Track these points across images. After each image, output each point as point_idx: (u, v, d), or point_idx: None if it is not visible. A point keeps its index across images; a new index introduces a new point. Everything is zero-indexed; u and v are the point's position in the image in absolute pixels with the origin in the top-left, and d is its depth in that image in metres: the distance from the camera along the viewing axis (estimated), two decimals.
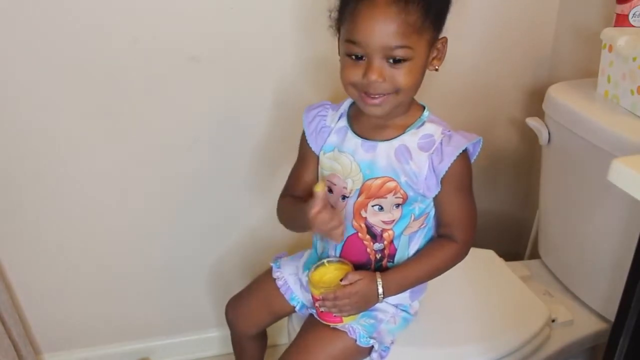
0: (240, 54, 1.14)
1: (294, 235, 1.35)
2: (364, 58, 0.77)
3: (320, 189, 0.78)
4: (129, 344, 1.39)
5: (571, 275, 1.16)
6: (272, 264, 1.03)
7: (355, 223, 0.89)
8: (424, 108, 0.87)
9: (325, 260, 0.91)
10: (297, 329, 0.97)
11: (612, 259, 1.00)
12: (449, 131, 0.84)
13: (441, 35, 0.81)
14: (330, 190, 0.90)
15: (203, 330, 1.43)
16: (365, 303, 0.87)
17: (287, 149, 1.25)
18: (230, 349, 1.13)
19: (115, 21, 1.06)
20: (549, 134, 1.11)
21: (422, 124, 0.85)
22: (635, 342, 0.59)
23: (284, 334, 1.32)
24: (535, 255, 1.31)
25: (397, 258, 0.91)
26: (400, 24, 0.74)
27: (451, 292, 1.03)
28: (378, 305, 0.90)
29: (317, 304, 0.87)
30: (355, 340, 0.88)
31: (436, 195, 0.86)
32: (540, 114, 1.15)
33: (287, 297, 1.00)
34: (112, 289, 1.32)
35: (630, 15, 1.02)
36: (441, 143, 0.83)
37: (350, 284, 0.85)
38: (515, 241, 1.51)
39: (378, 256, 0.91)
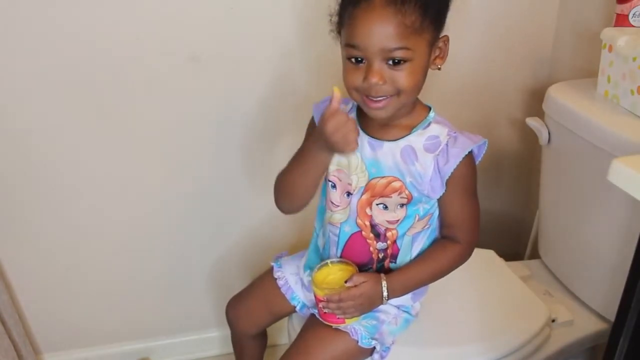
0: (240, 54, 1.14)
1: (295, 235, 1.35)
2: (364, 61, 0.77)
3: (337, 91, 0.78)
4: (129, 344, 1.39)
5: (571, 275, 1.16)
6: (272, 264, 1.03)
7: (359, 221, 0.89)
8: (430, 109, 0.87)
9: (328, 261, 0.91)
10: (298, 329, 0.97)
11: (612, 259, 1.00)
12: (455, 133, 0.84)
13: (442, 34, 0.81)
14: (334, 186, 0.90)
15: (203, 330, 1.43)
16: (370, 305, 0.87)
17: (288, 149, 1.25)
18: (231, 349, 1.13)
19: (115, 21, 1.06)
20: (549, 134, 1.11)
21: (428, 125, 0.85)
22: (635, 342, 0.59)
23: (284, 334, 1.32)
24: (535, 255, 1.31)
25: (399, 259, 0.91)
26: (398, 25, 0.74)
27: (451, 292, 1.03)
28: (380, 306, 0.90)
29: (320, 305, 0.87)
30: (357, 342, 0.88)
31: (440, 197, 0.86)
32: (540, 114, 1.15)
33: (287, 296, 1.00)
34: (112, 289, 1.32)
35: (630, 15, 1.02)
36: (447, 144, 0.83)
37: (355, 286, 0.85)
38: (515, 241, 1.51)
39: (380, 256, 0.91)
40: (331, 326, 0.89)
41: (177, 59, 1.11)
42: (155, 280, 1.34)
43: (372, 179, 0.86)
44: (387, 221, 0.88)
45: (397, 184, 0.85)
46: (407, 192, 0.85)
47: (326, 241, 0.95)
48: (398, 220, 0.88)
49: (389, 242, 0.89)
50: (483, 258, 1.16)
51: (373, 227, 0.89)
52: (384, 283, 0.86)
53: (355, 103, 0.90)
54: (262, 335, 1.11)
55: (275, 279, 1.01)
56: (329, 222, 0.92)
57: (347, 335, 0.89)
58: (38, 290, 1.28)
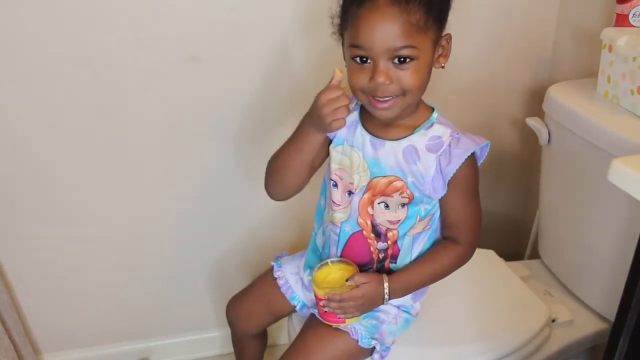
0: (240, 54, 1.14)
1: (295, 235, 1.35)
2: (369, 61, 0.77)
3: (338, 71, 0.80)
4: (129, 344, 1.39)
5: (571, 275, 1.16)
6: (273, 263, 1.03)
7: (361, 220, 0.89)
8: (433, 109, 0.87)
9: (329, 260, 0.91)
10: (298, 329, 0.97)
11: (612, 259, 1.00)
12: (458, 133, 0.84)
13: (444, 32, 0.81)
14: (335, 184, 0.90)
15: (203, 330, 1.43)
16: (371, 306, 0.87)
17: None
18: (231, 349, 1.13)
19: (115, 21, 1.06)
20: (549, 134, 1.11)
21: (431, 125, 0.85)
22: (635, 342, 0.59)
23: (284, 334, 1.32)
24: (535, 255, 1.31)
25: (399, 259, 0.91)
26: (403, 24, 0.74)
27: (451, 292, 1.03)
28: (381, 306, 0.90)
29: (321, 304, 0.87)
30: (357, 341, 0.88)
31: (442, 197, 0.86)
32: (540, 114, 1.15)
33: (287, 296, 1.00)
34: (112, 289, 1.32)
35: (630, 15, 1.02)
36: (449, 145, 0.83)
37: (357, 285, 0.85)
38: (515, 241, 1.51)
39: (381, 256, 0.91)
40: (331, 326, 0.89)
41: (177, 59, 1.11)
42: (155, 280, 1.34)
43: (373, 178, 0.86)
44: (389, 221, 0.88)
45: (398, 184, 0.85)
46: (408, 191, 0.85)
47: (326, 240, 0.95)
48: (399, 221, 0.88)
49: (389, 242, 0.89)
50: (483, 258, 1.16)
51: (374, 226, 0.89)
52: (385, 284, 0.86)
53: (359, 103, 0.90)
54: (262, 335, 1.11)
55: (275, 278, 1.01)
56: (330, 222, 0.92)
57: (347, 335, 0.89)
58: (38, 290, 1.28)
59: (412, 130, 0.85)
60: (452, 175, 0.83)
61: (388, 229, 0.88)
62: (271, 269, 1.03)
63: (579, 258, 1.12)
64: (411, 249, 0.91)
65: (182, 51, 1.11)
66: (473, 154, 0.83)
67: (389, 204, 0.87)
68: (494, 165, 1.43)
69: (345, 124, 0.80)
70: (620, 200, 0.92)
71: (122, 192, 1.22)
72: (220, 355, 1.44)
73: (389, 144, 0.85)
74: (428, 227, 0.90)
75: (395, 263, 0.91)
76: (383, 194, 0.86)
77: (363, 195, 0.88)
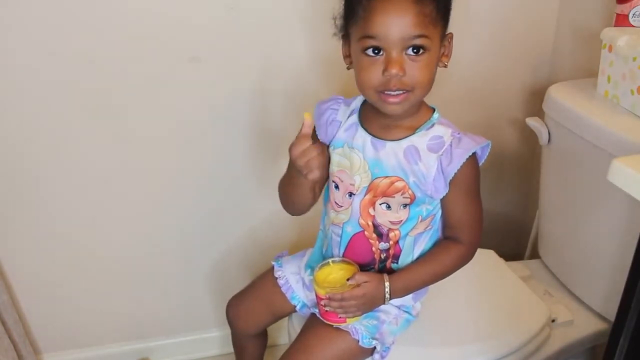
0: (240, 54, 1.14)
1: (295, 235, 1.35)
2: (381, 52, 0.77)
3: (307, 117, 0.81)
4: (128, 344, 1.39)
5: (571, 275, 1.16)
6: (273, 263, 1.03)
7: (362, 221, 0.89)
8: (434, 110, 0.87)
9: (330, 260, 0.91)
10: (298, 329, 0.97)
11: (612, 259, 1.00)
12: (459, 134, 0.84)
13: (447, 31, 0.82)
14: (337, 186, 0.90)
15: (203, 330, 1.43)
16: (372, 305, 0.87)
17: (287, 149, 1.25)
18: (231, 349, 1.13)
19: (115, 21, 1.06)
20: (549, 134, 1.11)
21: (432, 126, 0.85)
22: (635, 342, 0.59)
23: (284, 334, 1.32)
24: (535, 255, 1.31)
25: (401, 259, 0.91)
26: (417, 14, 0.74)
27: (451, 292, 1.03)
28: (381, 306, 0.90)
29: (322, 303, 0.87)
30: (358, 341, 0.88)
31: (443, 197, 0.86)
32: (540, 114, 1.15)
33: (288, 296, 1.00)
34: (112, 289, 1.32)
35: (630, 15, 1.02)
36: (450, 145, 0.83)
37: (358, 285, 0.85)
38: (515, 241, 1.51)
39: (383, 256, 0.91)
40: (332, 325, 0.89)
41: (177, 59, 1.11)
42: (155, 280, 1.34)
43: (375, 178, 0.86)
44: (390, 222, 0.88)
45: (400, 184, 0.85)
46: (410, 192, 0.85)
47: (329, 241, 0.95)
48: (401, 221, 0.88)
49: (391, 242, 0.89)
50: (483, 258, 1.16)
51: (376, 227, 0.89)
52: (386, 284, 0.86)
53: (357, 106, 0.90)
54: (263, 335, 1.11)
55: (276, 278, 1.01)
56: (332, 223, 0.92)
57: (348, 335, 0.89)
58: (38, 290, 1.27)
59: (413, 130, 0.85)
60: (453, 174, 0.83)
61: (390, 230, 0.88)
62: (271, 269, 1.03)
63: (579, 258, 1.12)
64: (413, 249, 0.91)
65: (182, 51, 1.11)
66: (474, 154, 0.84)
67: (390, 204, 0.87)
68: (494, 165, 1.43)
69: (319, 174, 0.83)
70: (620, 200, 0.92)
71: (122, 192, 1.22)
72: (220, 355, 1.44)
73: (389, 145, 0.85)
74: (430, 227, 0.90)
75: (397, 263, 0.91)
76: (385, 194, 0.86)
77: (364, 196, 0.88)
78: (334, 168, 0.91)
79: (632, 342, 0.59)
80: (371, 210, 0.88)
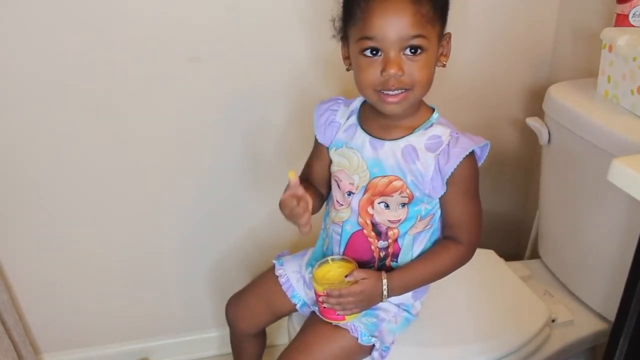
0: (240, 54, 1.14)
1: (295, 234, 1.35)
2: (379, 53, 0.77)
3: (291, 176, 0.82)
4: (128, 344, 1.39)
5: (571, 275, 1.16)
6: (274, 261, 1.04)
7: (361, 219, 0.89)
8: (433, 110, 0.88)
9: (329, 258, 0.91)
10: (298, 329, 0.97)
11: (612, 259, 1.00)
12: (457, 133, 0.84)
13: (445, 31, 0.82)
14: (337, 185, 0.91)
15: (203, 330, 1.43)
16: (369, 302, 0.87)
17: (288, 149, 1.25)
18: (229, 349, 1.13)
19: (115, 21, 1.06)
20: (549, 134, 1.11)
21: (431, 126, 0.85)
22: (635, 342, 0.59)
23: (283, 334, 1.32)
24: (535, 255, 1.31)
25: (400, 258, 0.91)
26: (414, 14, 0.75)
27: (451, 292, 1.03)
28: (380, 304, 0.90)
29: (320, 299, 0.87)
30: (357, 339, 0.88)
31: (442, 197, 0.86)
32: (540, 114, 1.15)
33: (288, 294, 1.00)
34: (112, 289, 1.32)
35: (630, 15, 1.02)
36: (448, 144, 0.83)
37: (356, 281, 0.85)
38: (515, 241, 1.51)
39: (382, 254, 0.91)
40: (331, 323, 0.89)
41: (177, 59, 1.11)
42: (155, 280, 1.34)
43: (373, 178, 0.86)
44: (389, 220, 0.88)
45: (398, 183, 0.85)
46: (408, 191, 0.85)
47: (329, 240, 0.95)
48: (399, 220, 0.88)
49: (390, 240, 0.90)
50: (483, 258, 1.16)
51: (374, 225, 0.89)
52: (384, 281, 0.86)
53: (357, 107, 0.91)
54: (262, 335, 1.11)
55: (277, 276, 1.01)
56: (333, 221, 0.93)
57: (347, 333, 0.89)
58: (38, 290, 1.28)
59: (412, 130, 0.85)
60: (450, 174, 0.83)
61: (389, 228, 0.89)
62: (272, 268, 1.03)
63: (579, 258, 1.12)
64: (412, 247, 0.91)
65: (182, 51, 1.11)
66: (472, 153, 0.84)
67: (389, 203, 0.87)
68: (494, 165, 1.43)
69: (309, 229, 0.83)
70: (620, 200, 0.92)
71: (122, 192, 1.22)
72: (219, 356, 1.44)
73: (388, 144, 0.85)
74: (429, 226, 0.90)
75: (397, 261, 0.91)
76: (382, 194, 0.86)
77: (362, 195, 0.88)
78: (334, 168, 0.92)
79: (632, 342, 0.59)
80: (370, 209, 0.88)
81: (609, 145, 0.93)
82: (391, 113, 0.82)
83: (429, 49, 0.77)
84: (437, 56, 0.81)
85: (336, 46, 0.86)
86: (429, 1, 0.76)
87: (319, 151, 0.96)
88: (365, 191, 0.88)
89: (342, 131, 0.90)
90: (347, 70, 0.85)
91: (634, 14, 1.02)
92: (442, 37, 0.81)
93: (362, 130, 0.88)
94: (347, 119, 0.91)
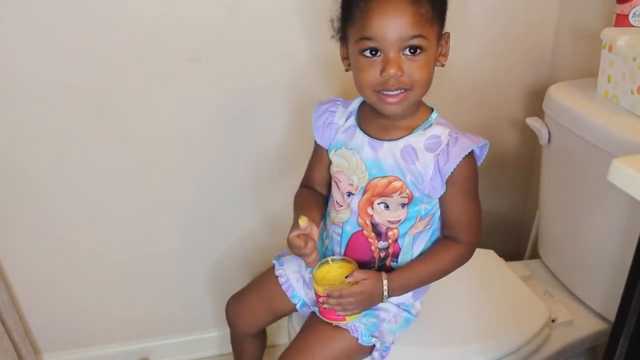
0: (240, 54, 1.14)
1: None
2: (379, 53, 0.77)
3: (302, 223, 0.82)
4: (128, 344, 1.39)
5: (571, 275, 1.16)
6: (274, 261, 1.04)
7: (360, 220, 0.89)
8: (433, 110, 0.88)
9: (329, 258, 0.91)
10: (298, 329, 0.97)
11: (612, 259, 1.00)
12: (456, 133, 0.84)
13: (444, 31, 0.82)
14: (337, 186, 0.91)
15: (203, 330, 1.43)
16: (370, 303, 0.88)
17: (287, 149, 1.25)
18: (230, 349, 1.13)
19: (115, 21, 1.06)
20: (549, 134, 1.11)
21: (430, 126, 0.86)
22: (635, 342, 0.59)
23: (283, 334, 1.32)
24: (535, 255, 1.31)
25: (400, 258, 0.91)
26: (414, 14, 0.75)
27: (451, 292, 1.03)
28: (381, 304, 0.90)
29: (320, 300, 0.87)
30: (357, 339, 0.88)
31: (441, 197, 0.86)
32: (540, 114, 1.15)
33: (288, 294, 1.00)
34: (112, 289, 1.32)
35: (630, 15, 1.02)
36: (447, 144, 0.83)
37: (356, 282, 0.85)
38: (515, 241, 1.51)
39: (382, 255, 0.91)
40: (331, 324, 0.89)
41: (177, 60, 1.11)
42: (155, 280, 1.34)
43: (372, 179, 0.86)
44: (389, 221, 0.88)
45: (397, 184, 0.85)
46: (407, 191, 0.85)
47: (330, 240, 0.95)
48: (399, 221, 0.88)
49: (390, 241, 0.90)
50: (483, 258, 1.16)
51: (374, 226, 0.89)
52: (385, 281, 0.86)
53: (355, 108, 0.91)
54: (262, 335, 1.11)
55: (277, 276, 1.01)
56: (333, 222, 0.93)
57: (347, 333, 0.89)
58: (38, 290, 1.28)
59: (411, 130, 0.85)
60: (449, 173, 0.83)
61: (388, 229, 0.89)
62: (272, 268, 1.03)
63: (579, 258, 1.12)
64: (412, 247, 0.91)
65: (182, 51, 1.11)
66: (472, 153, 0.84)
67: (388, 204, 0.87)
68: (494, 165, 1.43)
69: (317, 260, 0.85)
70: (620, 200, 0.92)
71: (123, 192, 1.22)
72: (219, 356, 1.44)
73: (387, 145, 0.85)
74: (429, 226, 0.90)
75: (397, 262, 0.91)
76: (382, 194, 0.86)
77: (362, 196, 0.88)
78: (333, 169, 0.92)
79: (632, 342, 0.59)
80: (369, 210, 0.88)
81: (609, 145, 0.93)
82: (391, 113, 0.82)
83: (428, 49, 0.78)
84: (436, 56, 0.81)
85: (336, 46, 0.86)
86: (428, 1, 0.76)
87: (318, 153, 0.96)
88: (365, 192, 0.88)
89: (341, 132, 0.90)
90: (346, 70, 0.85)
91: (634, 14, 1.02)
92: (441, 36, 0.81)
93: (361, 131, 0.88)
94: (346, 120, 0.91)
